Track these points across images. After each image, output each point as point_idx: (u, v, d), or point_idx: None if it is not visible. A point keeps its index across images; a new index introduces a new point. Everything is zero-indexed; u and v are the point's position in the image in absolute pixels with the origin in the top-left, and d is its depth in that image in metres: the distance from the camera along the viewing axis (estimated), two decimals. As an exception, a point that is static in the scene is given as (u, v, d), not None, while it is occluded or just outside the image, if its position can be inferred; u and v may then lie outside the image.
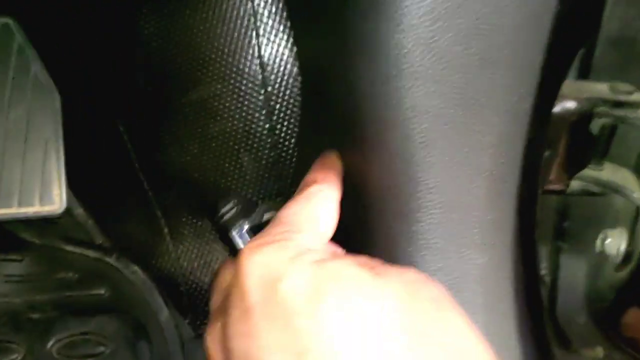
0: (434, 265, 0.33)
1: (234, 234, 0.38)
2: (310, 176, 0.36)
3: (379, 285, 0.27)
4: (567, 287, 0.50)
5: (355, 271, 0.27)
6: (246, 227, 0.38)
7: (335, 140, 0.39)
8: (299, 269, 0.28)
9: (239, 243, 0.38)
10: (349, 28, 0.32)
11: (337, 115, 0.37)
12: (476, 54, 0.30)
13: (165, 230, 0.54)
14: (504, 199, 0.33)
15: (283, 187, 0.50)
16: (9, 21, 0.47)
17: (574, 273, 0.50)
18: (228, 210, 0.38)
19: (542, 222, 0.50)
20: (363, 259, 0.30)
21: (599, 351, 0.50)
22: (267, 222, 0.38)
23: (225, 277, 0.39)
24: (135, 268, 0.52)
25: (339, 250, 0.36)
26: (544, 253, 0.48)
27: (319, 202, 0.34)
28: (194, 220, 0.53)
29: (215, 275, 0.42)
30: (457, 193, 0.32)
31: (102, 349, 0.50)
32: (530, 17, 0.30)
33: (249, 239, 0.37)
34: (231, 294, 0.30)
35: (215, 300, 0.37)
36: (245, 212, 0.38)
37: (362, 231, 0.36)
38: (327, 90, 0.38)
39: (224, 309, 0.31)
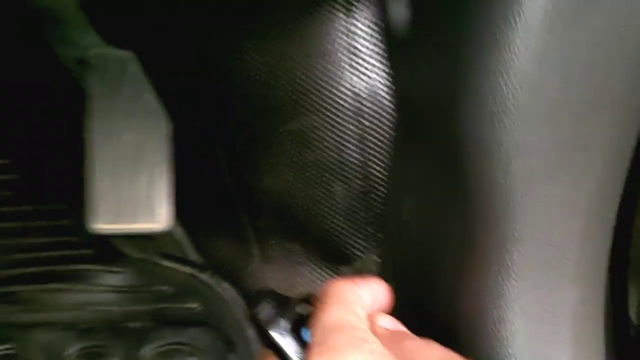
0: (525, 296, 0.34)
1: (275, 335, 0.38)
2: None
3: None
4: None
5: None
6: (285, 325, 0.38)
7: (426, 175, 0.40)
8: None
9: (283, 347, 0.38)
10: (457, 66, 0.34)
11: (432, 152, 0.39)
12: (587, 98, 0.31)
13: (255, 251, 0.57)
14: (600, 238, 0.34)
15: (373, 217, 0.52)
16: (126, 54, 0.52)
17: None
18: (263, 307, 0.39)
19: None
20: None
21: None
22: (307, 317, 0.38)
23: None
24: (227, 285, 0.55)
25: (401, 328, 0.36)
26: (632, 292, 0.48)
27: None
28: (283, 243, 0.56)
29: None
30: (552, 231, 0.33)
31: (193, 359, 0.53)
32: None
33: (291, 339, 0.38)
34: None
35: None
36: (280, 309, 0.38)
37: (451, 260, 0.37)
38: (424, 128, 0.40)
39: None
